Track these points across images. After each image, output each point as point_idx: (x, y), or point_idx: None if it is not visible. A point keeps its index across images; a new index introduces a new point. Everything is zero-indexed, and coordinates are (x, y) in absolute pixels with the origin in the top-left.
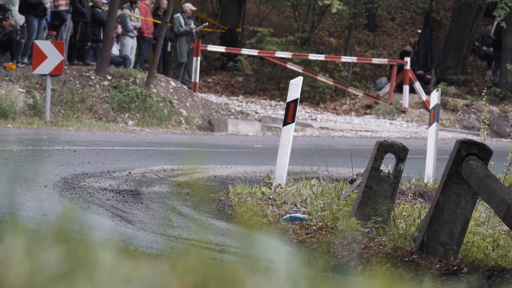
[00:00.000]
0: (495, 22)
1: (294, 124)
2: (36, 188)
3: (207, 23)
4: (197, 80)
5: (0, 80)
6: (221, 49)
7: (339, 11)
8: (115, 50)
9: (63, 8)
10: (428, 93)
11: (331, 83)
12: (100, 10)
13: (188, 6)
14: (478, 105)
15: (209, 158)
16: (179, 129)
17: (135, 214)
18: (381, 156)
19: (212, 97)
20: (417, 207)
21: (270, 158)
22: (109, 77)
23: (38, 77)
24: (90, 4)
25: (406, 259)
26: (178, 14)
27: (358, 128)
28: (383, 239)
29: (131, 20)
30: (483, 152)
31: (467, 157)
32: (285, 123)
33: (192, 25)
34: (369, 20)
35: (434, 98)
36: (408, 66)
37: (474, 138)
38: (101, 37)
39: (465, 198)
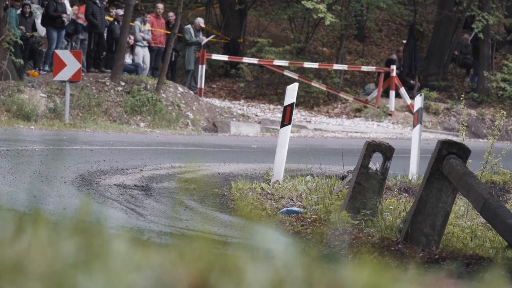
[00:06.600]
0: (474, 32)
1: (290, 126)
2: (56, 184)
3: (214, 35)
4: (203, 86)
5: (23, 86)
6: (224, 57)
7: (331, 23)
8: (128, 59)
9: (80, 21)
10: (412, 97)
11: (324, 88)
12: (117, 24)
13: (199, 21)
14: (457, 108)
15: (213, 157)
16: (186, 131)
17: (146, 207)
18: (370, 155)
19: (216, 102)
20: (402, 201)
21: (268, 157)
22: (123, 83)
23: (58, 83)
24: (111, 18)
25: (392, 248)
26: (189, 26)
27: (348, 129)
28: (371, 230)
29: (140, 31)
30: (462, 151)
31: (447, 156)
32: (282, 125)
33: (202, 36)
34: (359, 31)
35: (418, 102)
36: (394, 73)
37: (454, 138)
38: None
39: (446, 193)
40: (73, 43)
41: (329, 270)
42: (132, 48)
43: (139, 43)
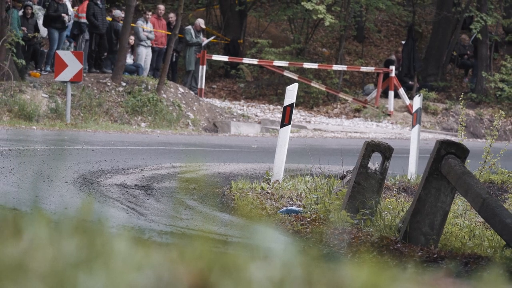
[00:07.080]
0: (474, 33)
1: (290, 126)
2: (57, 184)
3: (214, 36)
4: (203, 86)
5: (25, 87)
6: (225, 58)
7: (331, 24)
8: (129, 59)
9: (83, 20)
10: (411, 98)
11: (324, 89)
12: (119, 23)
13: (200, 22)
14: (456, 109)
15: (214, 157)
16: (186, 131)
17: (147, 207)
18: (369, 154)
19: (217, 102)
20: (401, 201)
21: (268, 157)
22: (124, 84)
23: (60, 83)
24: (110, 18)
25: (391, 247)
26: (190, 27)
27: (348, 129)
28: (371, 229)
29: (143, 30)
30: (460, 151)
31: (446, 156)
32: (282, 125)
33: (202, 37)
34: (358, 32)
35: (417, 102)
36: (393, 74)
37: (453, 138)
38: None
39: (444, 192)
40: (79, 42)
41: (329, 269)
42: (132, 49)
43: (143, 43)
